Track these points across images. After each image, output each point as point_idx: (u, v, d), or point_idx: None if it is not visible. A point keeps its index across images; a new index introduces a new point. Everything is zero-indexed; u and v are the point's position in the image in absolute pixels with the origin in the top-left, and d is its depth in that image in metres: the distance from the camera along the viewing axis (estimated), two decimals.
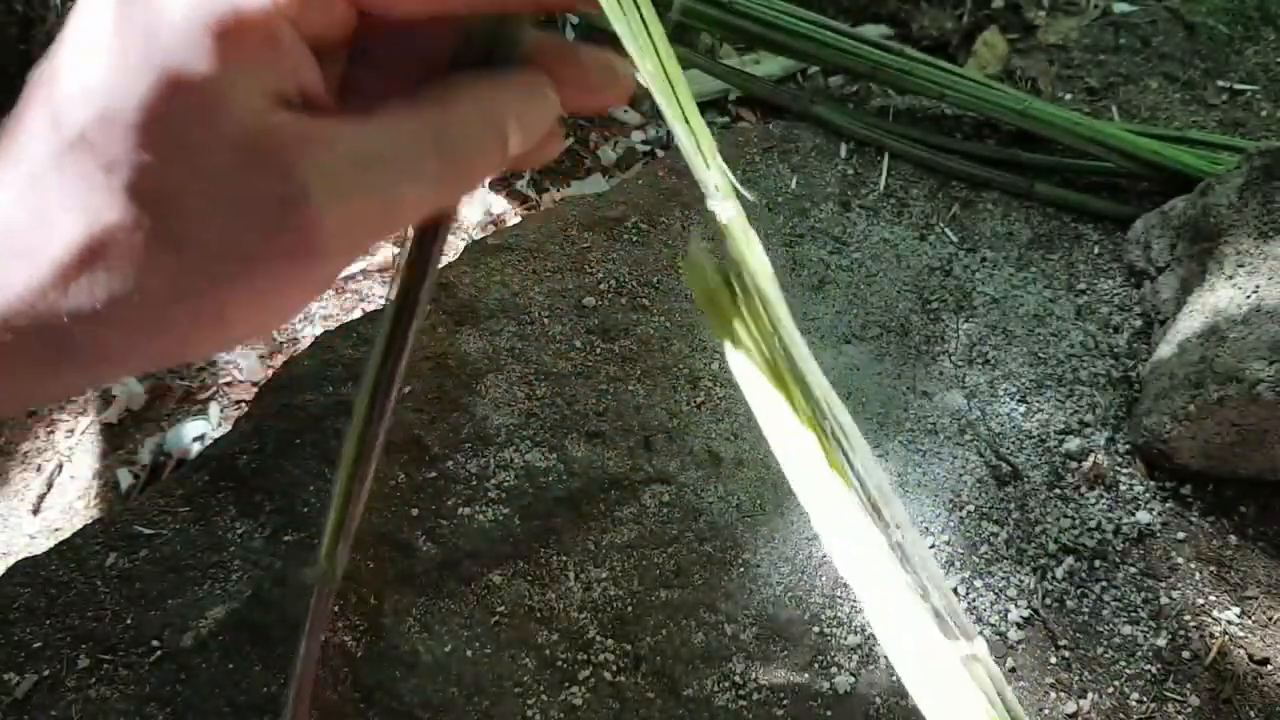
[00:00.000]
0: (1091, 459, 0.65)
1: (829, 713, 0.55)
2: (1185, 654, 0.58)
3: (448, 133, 0.20)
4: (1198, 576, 0.61)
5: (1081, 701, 0.55)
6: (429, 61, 0.21)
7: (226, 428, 0.75)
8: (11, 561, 0.60)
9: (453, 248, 0.91)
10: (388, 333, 0.27)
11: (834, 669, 0.56)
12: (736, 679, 0.56)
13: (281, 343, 0.84)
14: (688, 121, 0.21)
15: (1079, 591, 0.60)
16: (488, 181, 0.97)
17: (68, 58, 0.18)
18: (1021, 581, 0.60)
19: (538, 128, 0.22)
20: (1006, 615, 0.58)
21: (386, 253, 0.90)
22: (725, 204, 0.20)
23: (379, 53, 0.21)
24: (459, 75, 0.21)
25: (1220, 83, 0.89)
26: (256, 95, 0.17)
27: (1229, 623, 0.59)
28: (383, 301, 0.85)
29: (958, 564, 0.59)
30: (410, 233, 0.26)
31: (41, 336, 0.18)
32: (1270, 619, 0.59)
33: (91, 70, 0.17)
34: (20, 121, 0.19)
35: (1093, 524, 0.63)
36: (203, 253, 0.18)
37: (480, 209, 0.94)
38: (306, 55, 0.18)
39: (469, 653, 0.56)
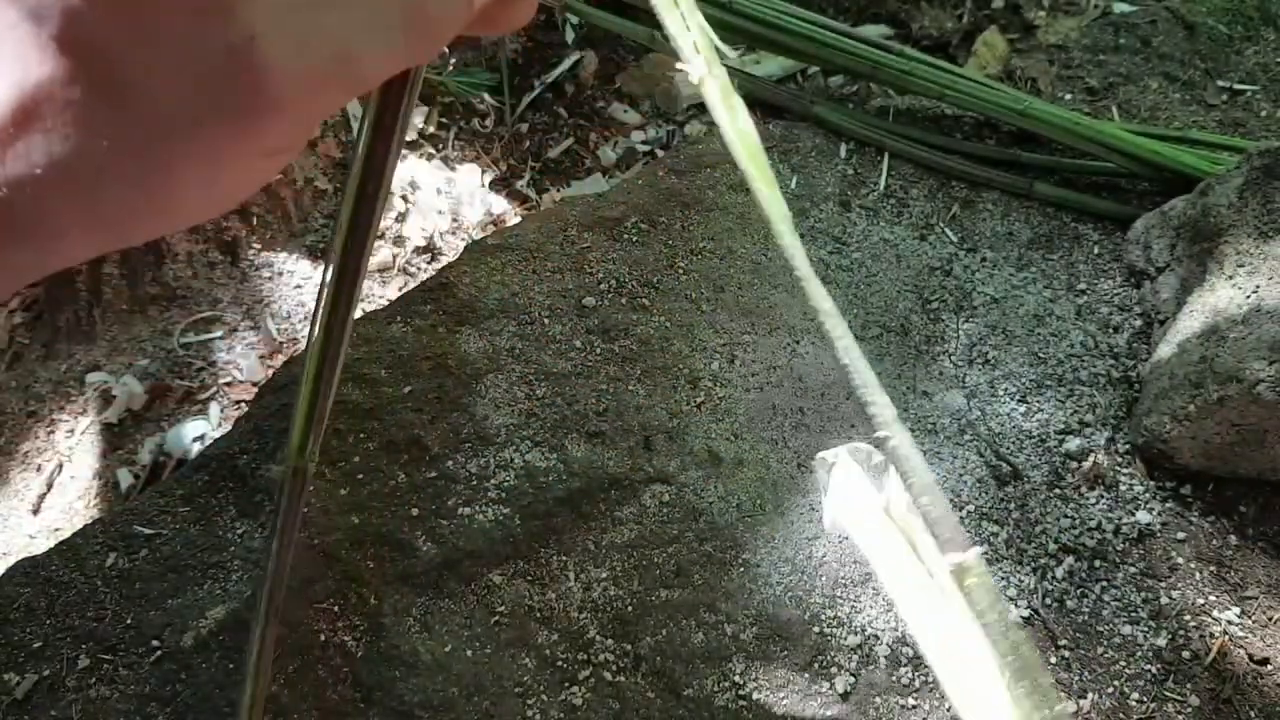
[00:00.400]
0: (1091, 459, 0.65)
1: (829, 713, 0.55)
2: (1185, 654, 0.57)
3: None
4: (1198, 576, 0.61)
5: (1081, 701, 0.55)
6: None
7: (227, 427, 0.75)
8: (11, 561, 0.60)
9: (453, 248, 0.91)
10: (359, 179, 0.25)
11: (834, 669, 0.56)
12: (736, 679, 0.56)
13: (281, 343, 0.84)
14: None
15: (1079, 591, 0.60)
16: (487, 180, 0.97)
17: None
18: (1021, 581, 0.60)
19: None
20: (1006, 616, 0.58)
21: (386, 252, 0.90)
22: (699, 61, 0.19)
23: None
24: None
25: (1220, 83, 0.89)
26: None
27: (1229, 623, 0.59)
28: (383, 302, 0.85)
29: None
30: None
31: None
32: (1270, 619, 0.59)
33: None
34: None
35: (1093, 524, 0.63)
36: (147, 108, 0.16)
37: (481, 209, 0.94)
38: None
39: (469, 653, 0.56)
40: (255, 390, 0.78)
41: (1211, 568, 0.61)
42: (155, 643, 0.56)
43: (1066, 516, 0.63)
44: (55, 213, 0.17)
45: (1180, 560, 0.61)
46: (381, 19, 0.18)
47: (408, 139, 0.99)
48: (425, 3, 0.19)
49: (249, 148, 0.17)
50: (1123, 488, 0.65)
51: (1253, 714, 0.56)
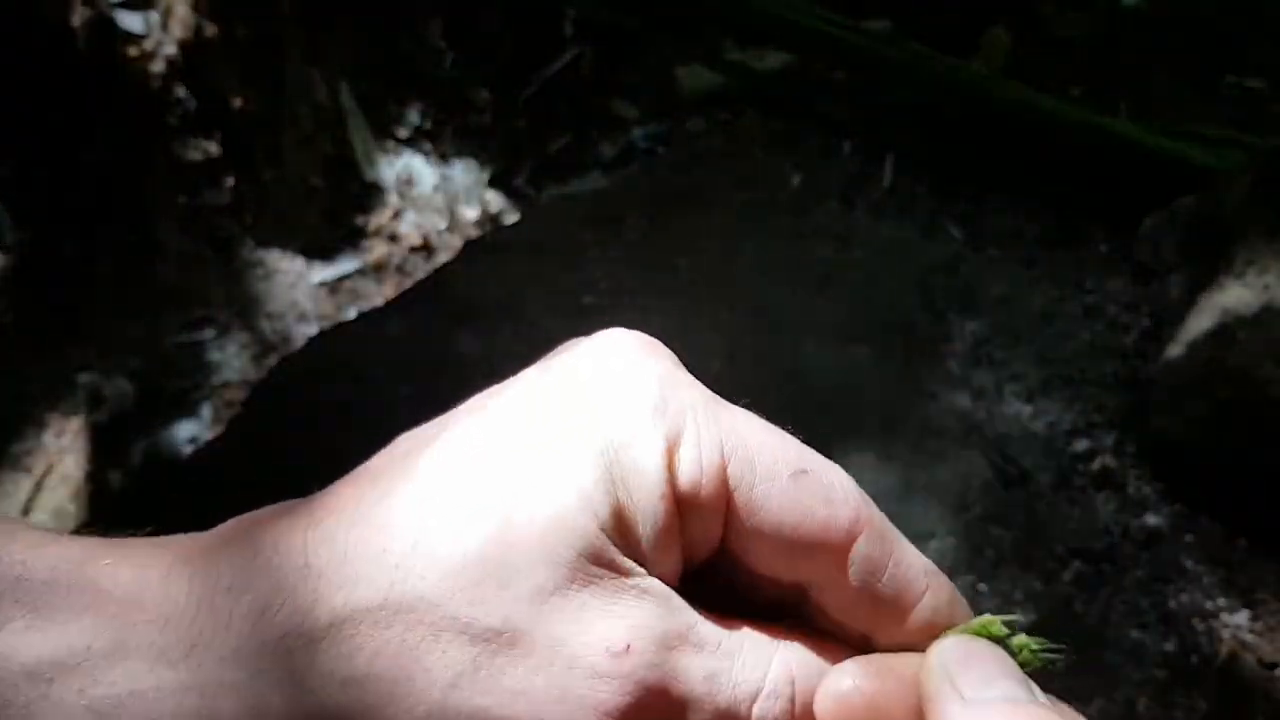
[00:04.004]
0: (1099, 460, 0.64)
1: None
2: (1194, 659, 0.57)
3: (800, 668, 0.19)
4: (1206, 580, 0.60)
5: (1088, 708, 0.54)
6: (745, 601, 0.20)
7: (220, 428, 0.75)
8: None
9: (450, 246, 0.90)
10: None
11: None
12: None
13: (274, 343, 0.83)
14: None
15: (1086, 596, 0.59)
16: (484, 177, 0.96)
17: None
18: (1029, 586, 0.59)
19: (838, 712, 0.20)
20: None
21: (381, 250, 0.90)
22: None
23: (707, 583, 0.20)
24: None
25: (1230, 78, 0.88)
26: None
27: (1238, 627, 0.58)
28: (379, 301, 0.84)
29: (962, 568, 0.58)
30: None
31: None
32: None
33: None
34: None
35: (1100, 527, 0.62)
36: None
37: (478, 206, 0.94)
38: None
39: None
40: (249, 390, 0.78)
41: (1221, 571, 0.60)
42: None
43: (1074, 519, 0.62)
44: None
45: (1189, 563, 0.61)
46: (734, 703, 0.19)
47: (403, 136, 0.98)
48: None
49: None
50: (1131, 490, 0.64)
51: (1261, 718, 0.55)
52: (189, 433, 0.78)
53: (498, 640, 0.17)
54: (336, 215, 0.91)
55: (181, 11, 0.83)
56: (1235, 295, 0.63)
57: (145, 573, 0.18)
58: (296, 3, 0.94)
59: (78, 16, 0.76)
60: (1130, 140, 0.77)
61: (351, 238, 0.90)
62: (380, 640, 0.17)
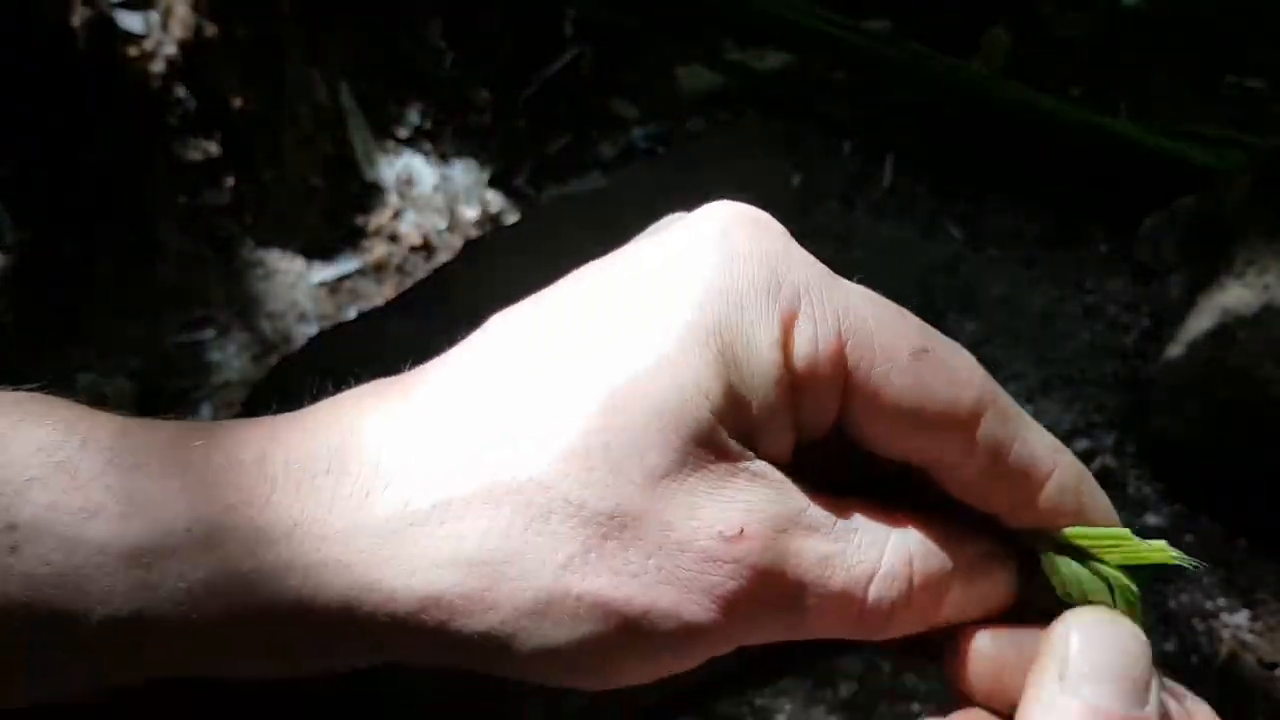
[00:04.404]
0: (1099, 460, 0.64)
1: (832, 718, 0.54)
2: (1194, 659, 0.57)
3: (919, 553, 0.18)
4: (1206, 580, 0.60)
5: None
6: (861, 480, 0.20)
7: None
8: None
9: (450, 246, 0.90)
10: None
11: (837, 674, 0.55)
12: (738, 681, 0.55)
13: (274, 343, 0.83)
14: None
15: None
16: (484, 177, 0.96)
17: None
18: None
19: (984, 601, 0.19)
20: None
21: (381, 250, 0.90)
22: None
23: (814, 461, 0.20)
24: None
25: (1230, 78, 0.88)
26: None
27: (1238, 627, 0.58)
28: (379, 301, 0.84)
29: None
30: None
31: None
32: None
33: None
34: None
35: None
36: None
37: (478, 207, 0.94)
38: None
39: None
40: (249, 390, 0.78)
41: (1221, 571, 0.60)
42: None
43: None
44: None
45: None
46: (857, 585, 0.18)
47: (403, 136, 0.98)
48: (922, 579, 0.19)
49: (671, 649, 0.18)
50: (1131, 489, 0.64)
51: (1262, 719, 0.55)
52: None
53: (609, 523, 0.16)
54: (336, 215, 0.91)
55: (181, 11, 0.83)
56: (1235, 295, 0.63)
57: (238, 454, 0.17)
58: (296, 3, 0.94)
59: (78, 16, 0.76)
60: (1130, 140, 0.77)
61: (351, 238, 0.90)
62: (489, 522, 0.17)
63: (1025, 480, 0.19)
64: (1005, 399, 0.19)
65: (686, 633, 0.17)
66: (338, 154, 0.93)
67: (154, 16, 0.81)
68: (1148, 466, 0.65)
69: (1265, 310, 0.60)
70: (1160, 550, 0.19)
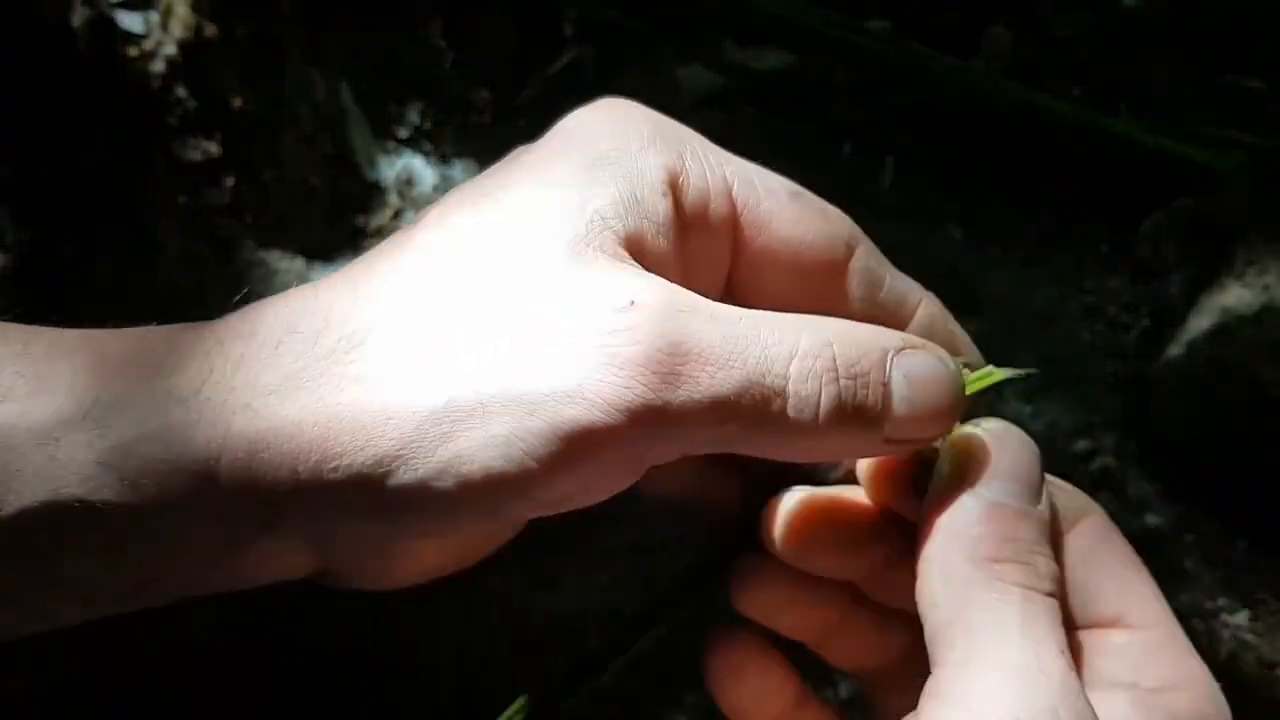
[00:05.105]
0: (1099, 460, 0.64)
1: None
2: None
3: (841, 336, 0.17)
4: (1207, 580, 0.60)
5: None
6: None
7: None
8: None
9: None
10: None
11: (837, 674, 0.55)
12: None
13: None
14: None
15: None
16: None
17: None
18: None
19: (927, 383, 0.18)
20: None
21: None
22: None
23: None
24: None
25: (1230, 78, 0.88)
26: None
27: (1239, 626, 0.58)
28: None
29: None
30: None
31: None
32: None
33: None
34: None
35: None
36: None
37: None
38: None
39: (468, 654, 0.56)
40: None
41: (1221, 571, 0.60)
42: (152, 644, 0.56)
43: None
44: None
45: (1189, 563, 0.61)
46: (781, 378, 0.18)
47: (402, 136, 0.98)
48: (851, 365, 0.18)
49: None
50: (1131, 490, 0.64)
51: (1263, 719, 0.55)
52: None
53: (504, 318, 0.17)
54: (336, 215, 0.91)
55: (182, 12, 0.83)
56: (1236, 295, 0.63)
57: (149, 336, 0.18)
58: (296, 3, 0.94)
59: (77, 16, 0.76)
60: (1131, 140, 0.77)
61: (352, 238, 0.90)
62: (397, 335, 0.17)
63: (899, 312, 0.20)
64: (868, 239, 0.21)
65: (598, 420, 0.16)
66: (338, 154, 0.93)
67: (154, 17, 0.81)
68: (1148, 466, 0.65)
69: (1265, 310, 0.60)
70: (1007, 370, 0.20)
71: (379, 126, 1.01)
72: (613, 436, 0.16)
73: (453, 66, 1.01)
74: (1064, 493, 0.20)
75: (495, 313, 0.17)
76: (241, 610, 0.56)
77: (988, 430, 0.19)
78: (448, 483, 0.17)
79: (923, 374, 0.18)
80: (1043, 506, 0.18)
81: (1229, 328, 0.61)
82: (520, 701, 0.22)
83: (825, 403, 0.17)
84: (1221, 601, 0.59)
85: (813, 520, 0.20)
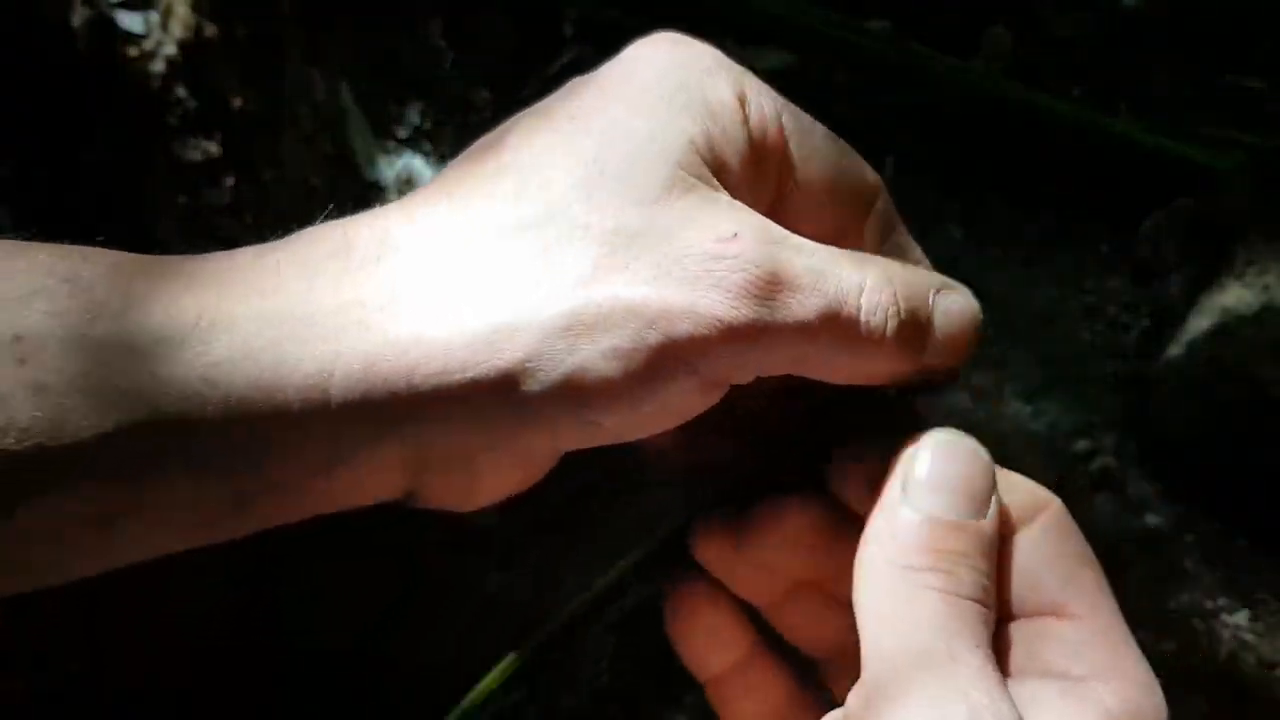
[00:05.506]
0: (1099, 460, 0.64)
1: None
2: (1194, 659, 0.57)
3: (896, 273, 0.20)
4: (1207, 580, 0.60)
5: None
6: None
7: None
8: None
9: None
10: None
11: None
12: None
13: None
14: None
15: None
16: None
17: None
18: None
19: (958, 315, 0.22)
20: None
21: None
22: None
23: None
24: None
25: (1230, 78, 0.88)
26: None
27: (1239, 627, 0.58)
28: None
29: None
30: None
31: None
32: None
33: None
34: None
35: (1100, 527, 0.62)
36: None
37: None
38: None
39: (468, 654, 0.56)
40: None
41: (1221, 571, 0.61)
42: (152, 644, 0.56)
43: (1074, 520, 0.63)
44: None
45: (1189, 563, 0.61)
46: (855, 304, 0.21)
47: (402, 136, 0.98)
48: (909, 297, 0.21)
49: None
50: (1131, 490, 0.64)
51: (1262, 719, 0.55)
52: None
53: (615, 239, 0.18)
54: (336, 215, 0.91)
55: (182, 12, 0.83)
56: (1235, 295, 0.63)
57: (236, 256, 0.19)
58: (296, 3, 0.94)
59: (77, 16, 0.76)
60: (1131, 140, 0.77)
61: None
62: (510, 251, 0.18)
63: (903, 260, 0.22)
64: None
65: (705, 335, 0.18)
66: (338, 154, 0.93)
67: (154, 17, 0.81)
68: (1148, 466, 0.65)
69: (1266, 310, 0.60)
70: None
71: (379, 126, 1.01)
72: (715, 352, 0.18)
73: (453, 66, 1.01)
74: (1021, 490, 0.21)
75: (601, 233, 0.18)
76: (242, 611, 0.56)
77: (939, 442, 0.20)
78: (570, 393, 0.18)
79: (958, 310, 0.22)
80: (986, 519, 0.19)
81: (1229, 328, 0.62)
82: (511, 658, 0.23)
83: (890, 327, 0.20)
84: (1221, 601, 0.59)
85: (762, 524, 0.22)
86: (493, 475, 0.21)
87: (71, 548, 0.17)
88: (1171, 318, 0.70)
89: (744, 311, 0.18)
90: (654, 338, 0.18)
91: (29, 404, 0.16)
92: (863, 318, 0.19)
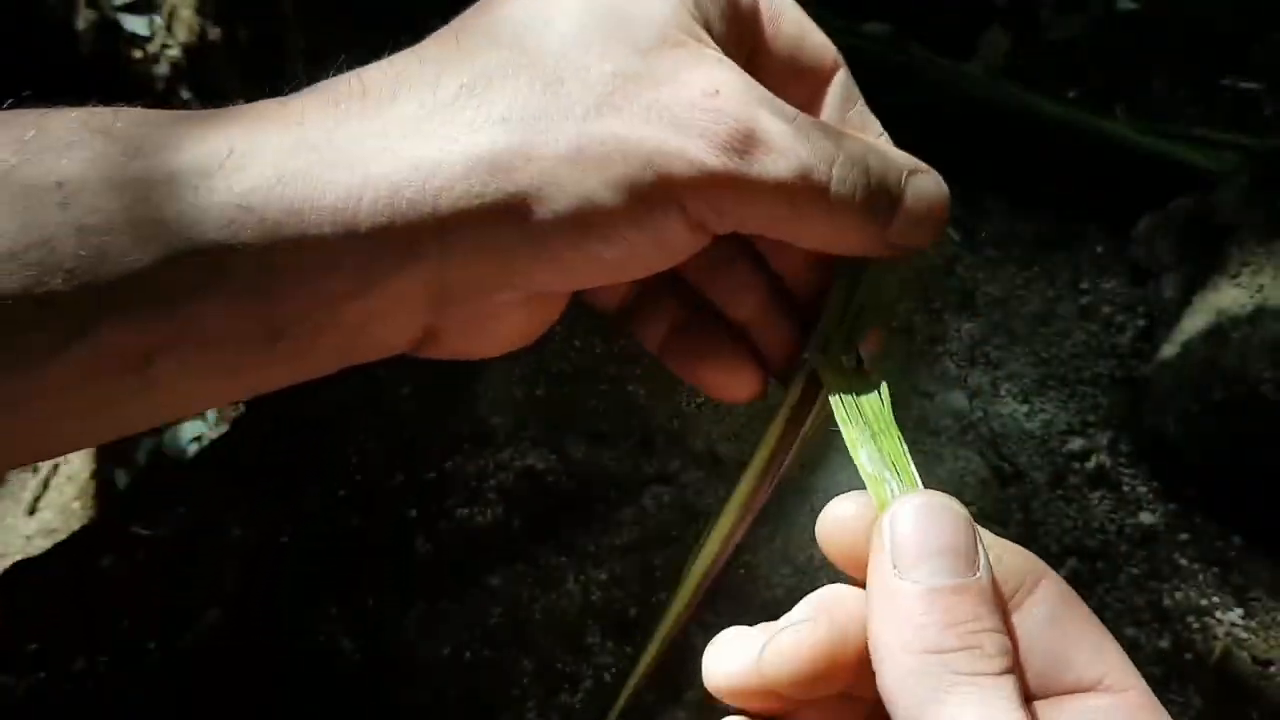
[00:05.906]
0: (1095, 459, 0.65)
1: None
2: (1188, 656, 0.57)
3: (871, 151, 0.21)
4: (1201, 578, 0.60)
5: None
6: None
7: (224, 428, 0.75)
8: (9, 563, 0.60)
9: None
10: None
11: None
12: None
13: None
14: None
15: (1082, 593, 0.60)
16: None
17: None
18: None
19: (928, 197, 0.22)
20: None
21: None
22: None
23: None
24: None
25: (1227, 80, 0.88)
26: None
27: (1232, 624, 0.58)
28: None
29: None
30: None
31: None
32: (1274, 620, 0.59)
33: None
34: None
35: (1095, 525, 0.63)
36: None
37: None
38: None
39: (468, 654, 0.56)
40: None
41: (1215, 569, 0.61)
42: (152, 644, 0.56)
43: (1069, 518, 0.63)
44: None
45: (1183, 561, 0.61)
46: (830, 177, 0.21)
47: None
48: (881, 172, 0.22)
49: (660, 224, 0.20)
50: (1126, 489, 0.64)
51: (1256, 716, 0.56)
52: (194, 432, 0.78)
53: (613, 80, 0.19)
54: None
55: (186, 14, 0.84)
56: (1230, 296, 0.63)
57: (259, 105, 0.19)
58: (297, 4, 0.94)
59: (82, 19, 0.77)
60: (1127, 142, 0.78)
61: None
62: (516, 87, 0.19)
63: (862, 135, 0.22)
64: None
65: (693, 177, 0.19)
66: None
67: (158, 19, 0.82)
68: (1143, 465, 0.65)
69: (1259, 311, 0.61)
70: None
71: None
72: (700, 194, 0.19)
73: None
74: (1009, 552, 0.20)
75: (600, 75, 0.19)
76: (242, 610, 0.57)
77: (915, 505, 0.19)
78: (578, 221, 0.19)
79: (927, 190, 0.22)
80: (980, 572, 0.19)
81: (1223, 328, 0.62)
82: None
83: (860, 195, 0.20)
84: (1215, 599, 0.60)
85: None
86: (507, 316, 0.21)
87: (115, 389, 0.18)
88: (1166, 318, 0.70)
89: (723, 160, 0.19)
90: (650, 174, 0.19)
91: (73, 245, 0.16)
92: (834, 186, 0.20)
